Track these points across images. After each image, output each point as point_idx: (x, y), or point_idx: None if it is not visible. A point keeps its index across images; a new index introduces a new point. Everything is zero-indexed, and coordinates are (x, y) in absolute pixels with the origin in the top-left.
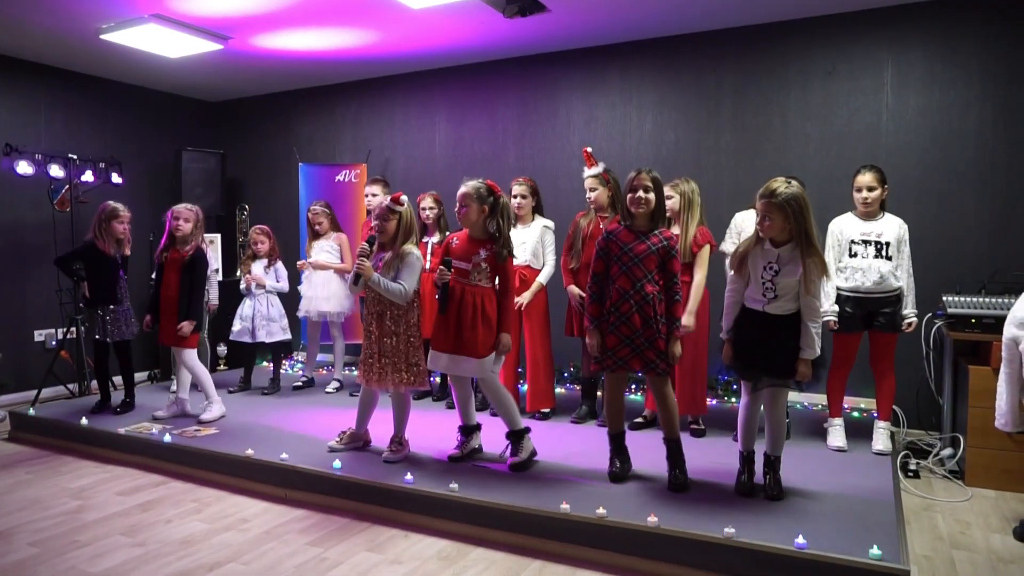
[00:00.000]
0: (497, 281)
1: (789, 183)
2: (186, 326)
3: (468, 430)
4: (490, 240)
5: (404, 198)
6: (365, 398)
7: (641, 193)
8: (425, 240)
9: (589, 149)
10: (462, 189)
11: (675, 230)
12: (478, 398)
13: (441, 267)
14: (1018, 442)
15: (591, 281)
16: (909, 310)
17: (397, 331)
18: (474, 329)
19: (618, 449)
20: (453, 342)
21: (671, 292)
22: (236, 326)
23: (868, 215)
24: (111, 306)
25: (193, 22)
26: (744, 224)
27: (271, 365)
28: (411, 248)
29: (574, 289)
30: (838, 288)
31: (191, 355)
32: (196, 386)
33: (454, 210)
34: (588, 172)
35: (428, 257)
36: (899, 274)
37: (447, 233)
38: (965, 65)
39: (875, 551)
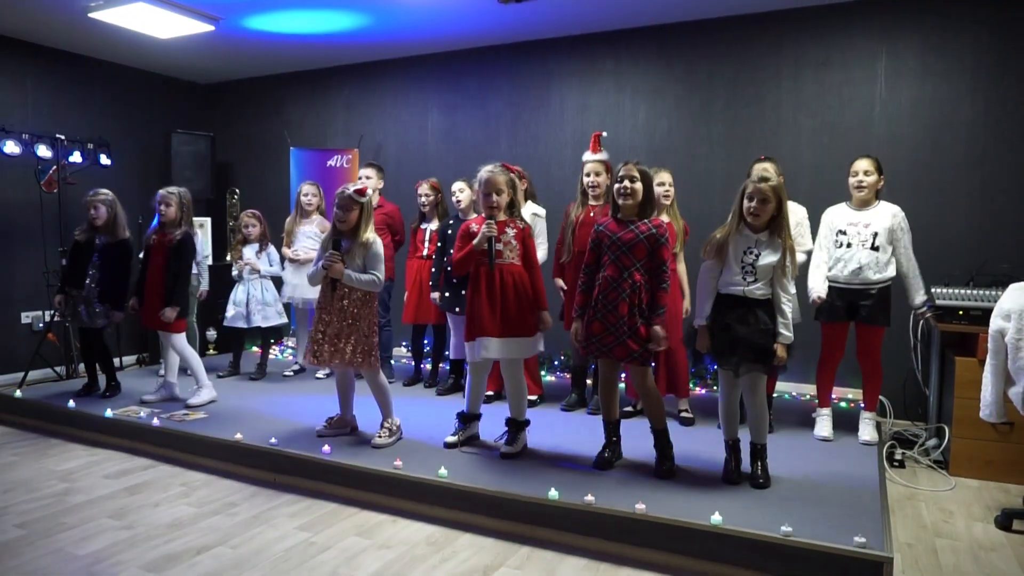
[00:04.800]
0: (524, 259)
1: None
2: (168, 312)
3: (470, 418)
4: (512, 218)
5: (370, 191)
6: (341, 382)
7: (627, 183)
8: (423, 226)
9: (604, 134)
10: (495, 176)
11: (664, 218)
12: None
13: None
14: (1002, 433)
15: (582, 272)
16: (920, 298)
17: (366, 314)
18: (520, 307)
19: (609, 437)
20: (501, 325)
21: (658, 279)
22: (230, 311)
23: (861, 203)
24: (75, 291)
25: (183, 1)
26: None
27: (260, 351)
28: (375, 236)
29: (559, 281)
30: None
31: (179, 339)
32: (186, 370)
33: (484, 196)
34: (594, 156)
35: (426, 243)
36: (889, 265)
37: (447, 219)
38: (958, 58)
39: (859, 539)
